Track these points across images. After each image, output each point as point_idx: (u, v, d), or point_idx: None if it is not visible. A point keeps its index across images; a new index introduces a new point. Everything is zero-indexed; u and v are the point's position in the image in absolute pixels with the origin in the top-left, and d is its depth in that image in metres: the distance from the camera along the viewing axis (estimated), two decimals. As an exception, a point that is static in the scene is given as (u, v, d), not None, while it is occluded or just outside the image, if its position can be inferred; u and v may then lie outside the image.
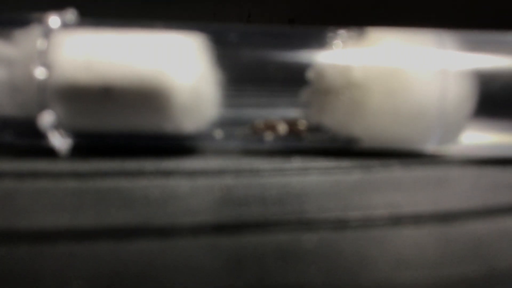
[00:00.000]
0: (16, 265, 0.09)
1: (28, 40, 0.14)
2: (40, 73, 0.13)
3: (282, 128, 0.15)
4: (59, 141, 0.14)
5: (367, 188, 0.13)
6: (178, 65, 0.14)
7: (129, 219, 0.11)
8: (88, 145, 0.15)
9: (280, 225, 0.10)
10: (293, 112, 0.15)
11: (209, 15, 0.26)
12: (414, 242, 0.10)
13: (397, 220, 0.11)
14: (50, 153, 0.14)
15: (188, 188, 0.12)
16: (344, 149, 0.15)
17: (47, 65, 0.13)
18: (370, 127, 0.14)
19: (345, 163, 0.14)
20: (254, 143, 0.15)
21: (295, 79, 0.15)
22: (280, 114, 0.15)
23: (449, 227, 0.10)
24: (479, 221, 0.11)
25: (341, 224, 0.10)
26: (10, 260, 0.09)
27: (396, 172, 0.14)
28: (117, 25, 0.15)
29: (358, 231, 0.10)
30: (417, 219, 0.11)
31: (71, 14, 0.15)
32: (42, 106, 0.14)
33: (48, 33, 0.14)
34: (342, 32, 0.15)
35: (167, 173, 0.13)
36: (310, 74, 0.15)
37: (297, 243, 0.10)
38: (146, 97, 0.13)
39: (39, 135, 0.14)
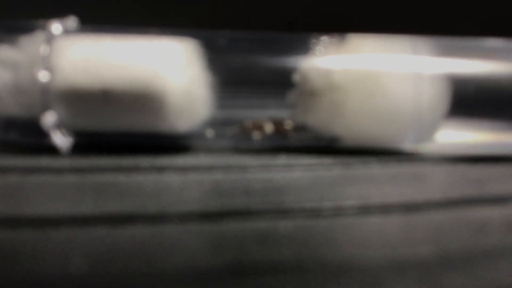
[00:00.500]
0: (22, 246, 0.10)
1: (32, 45, 0.14)
2: (43, 76, 0.14)
3: (269, 128, 0.16)
4: (61, 140, 0.15)
5: (344, 183, 0.14)
6: (171, 69, 0.14)
7: (124, 207, 0.12)
8: (88, 143, 0.15)
9: (260, 214, 0.11)
10: (281, 113, 0.16)
11: (210, 19, 0.27)
12: (379, 229, 0.11)
13: (365, 210, 0.12)
14: (52, 151, 0.15)
15: (179, 182, 0.13)
16: (327, 147, 0.16)
17: (49, 68, 0.14)
18: (350, 127, 0.15)
19: (326, 160, 0.15)
20: (243, 142, 0.16)
21: (283, 82, 0.16)
22: (269, 115, 0.16)
23: (413, 216, 0.12)
24: (441, 211, 0.12)
25: (315, 213, 0.12)
26: (17, 242, 0.10)
27: (373, 169, 0.15)
28: (115, 31, 0.15)
29: (330, 219, 0.11)
30: (384, 209, 0.12)
31: (72, 21, 0.16)
32: (45, 107, 0.14)
33: (50, 39, 0.15)
34: (325, 38, 0.16)
35: (161, 169, 0.14)
36: (296, 77, 0.16)
37: (274, 229, 0.11)
38: (142, 99, 0.14)
39: (42, 134, 0.15)
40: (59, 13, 0.16)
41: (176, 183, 0.13)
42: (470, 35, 0.16)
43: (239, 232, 0.11)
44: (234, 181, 0.14)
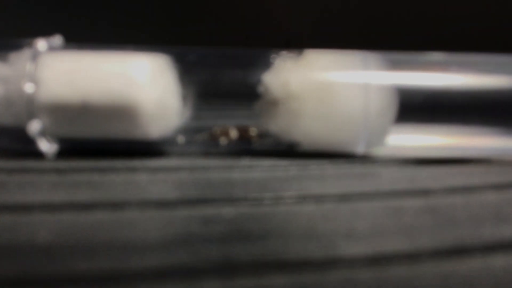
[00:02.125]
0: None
1: (20, 61, 0.16)
2: (29, 88, 0.15)
3: (233, 134, 0.17)
4: (46, 146, 0.16)
5: (296, 180, 0.15)
6: (144, 81, 0.16)
7: (91, 197, 0.13)
8: (71, 149, 0.17)
9: (208, 202, 0.13)
10: (250, 121, 0.18)
11: (207, 39, 0.28)
12: (312, 215, 0.13)
13: (302, 199, 0.13)
14: (39, 156, 0.17)
15: (147, 180, 0.15)
16: (287, 151, 0.17)
17: (35, 82, 0.15)
18: (306, 133, 0.17)
19: (285, 162, 0.17)
20: (211, 147, 0.18)
21: (250, 93, 0.17)
22: (239, 123, 0.18)
23: (342, 204, 0.13)
24: (367, 201, 0.14)
25: (257, 202, 0.13)
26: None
27: (327, 170, 0.16)
28: (95, 48, 0.17)
29: (270, 207, 0.13)
30: (319, 199, 0.14)
31: (57, 40, 0.17)
32: (31, 116, 0.16)
33: (36, 55, 0.16)
34: (284, 53, 0.17)
35: (133, 169, 0.16)
36: (261, 88, 0.17)
37: (218, 214, 0.12)
38: (117, 109, 0.16)
39: (29, 141, 0.16)
40: (48, 32, 0.18)
41: (144, 181, 0.15)
42: (415, 49, 0.17)
43: (187, 216, 0.12)
44: (197, 179, 0.15)
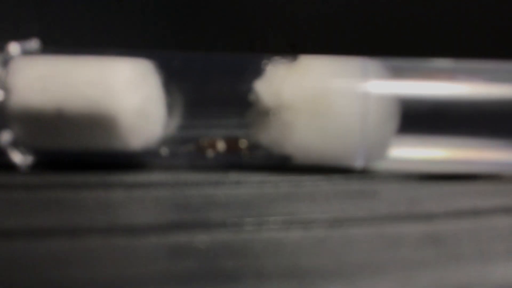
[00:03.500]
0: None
1: None
2: None
3: (221, 146, 0.16)
4: (19, 158, 0.16)
5: (286, 199, 0.14)
6: (124, 88, 0.15)
7: (54, 220, 0.12)
8: (47, 161, 0.16)
9: (181, 228, 0.12)
10: (239, 132, 0.16)
11: (211, 44, 0.27)
12: (296, 246, 0.11)
13: (288, 224, 0.12)
14: (12, 168, 0.15)
15: (123, 199, 0.14)
16: (280, 165, 0.16)
17: (5, 88, 0.15)
18: (300, 146, 0.15)
19: (276, 177, 0.16)
20: (198, 160, 0.16)
21: (241, 102, 0.16)
22: (228, 133, 0.16)
23: (332, 231, 0.12)
24: (361, 227, 0.12)
25: (236, 228, 0.12)
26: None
27: (321, 186, 0.15)
28: (76, 52, 0.16)
29: (250, 234, 0.12)
30: (308, 224, 0.12)
31: (33, 43, 0.16)
32: (1, 126, 0.15)
33: (8, 60, 0.15)
34: (276, 59, 0.16)
35: (108, 185, 0.15)
36: (251, 97, 0.16)
37: (190, 243, 0.11)
38: (95, 118, 0.14)
39: (0, 152, 0.15)
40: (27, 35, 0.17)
41: (118, 199, 0.14)
42: (419, 55, 0.16)
43: (155, 245, 0.11)
44: (176, 197, 0.14)
